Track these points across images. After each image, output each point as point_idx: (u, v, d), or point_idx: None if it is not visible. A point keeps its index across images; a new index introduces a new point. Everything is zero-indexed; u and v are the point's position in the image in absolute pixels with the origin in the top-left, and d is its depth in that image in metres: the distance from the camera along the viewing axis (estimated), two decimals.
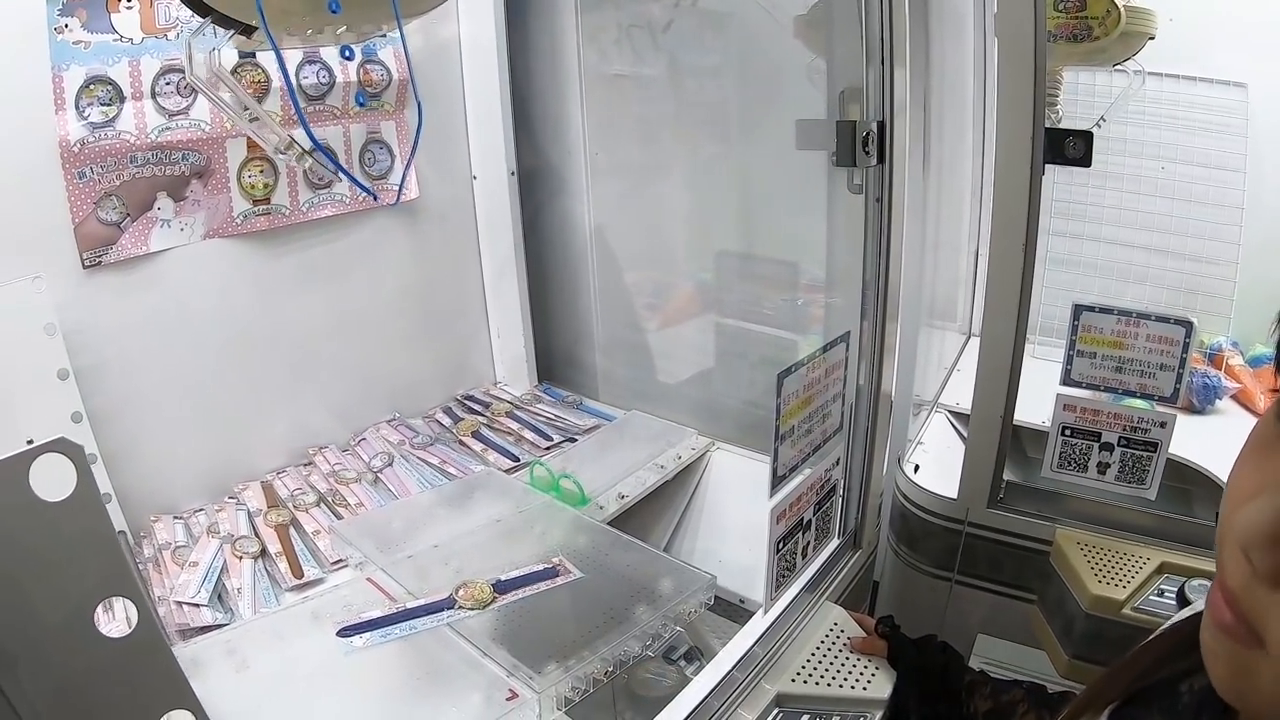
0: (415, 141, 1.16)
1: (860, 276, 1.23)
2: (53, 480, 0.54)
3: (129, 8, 1.28)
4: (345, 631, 1.04)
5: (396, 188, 1.65)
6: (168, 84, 1.32)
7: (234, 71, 1.36)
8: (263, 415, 1.54)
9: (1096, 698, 0.64)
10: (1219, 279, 1.97)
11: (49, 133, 1.23)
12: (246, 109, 1.17)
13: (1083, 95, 1.99)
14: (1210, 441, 1.60)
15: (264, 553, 1.31)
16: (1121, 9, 1.55)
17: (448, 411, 1.82)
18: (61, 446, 0.54)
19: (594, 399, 1.91)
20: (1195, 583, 1.26)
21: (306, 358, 1.59)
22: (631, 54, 1.71)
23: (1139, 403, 1.38)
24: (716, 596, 1.18)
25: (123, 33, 1.28)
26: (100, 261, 1.29)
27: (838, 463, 1.13)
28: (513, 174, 1.79)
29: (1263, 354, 1.95)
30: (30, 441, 1.19)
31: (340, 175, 1.10)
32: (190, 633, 1.15)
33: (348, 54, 1.03)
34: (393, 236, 1.70)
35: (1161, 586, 1.30)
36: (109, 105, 1.27)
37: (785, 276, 1.65)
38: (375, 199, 1.61)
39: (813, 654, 1.13)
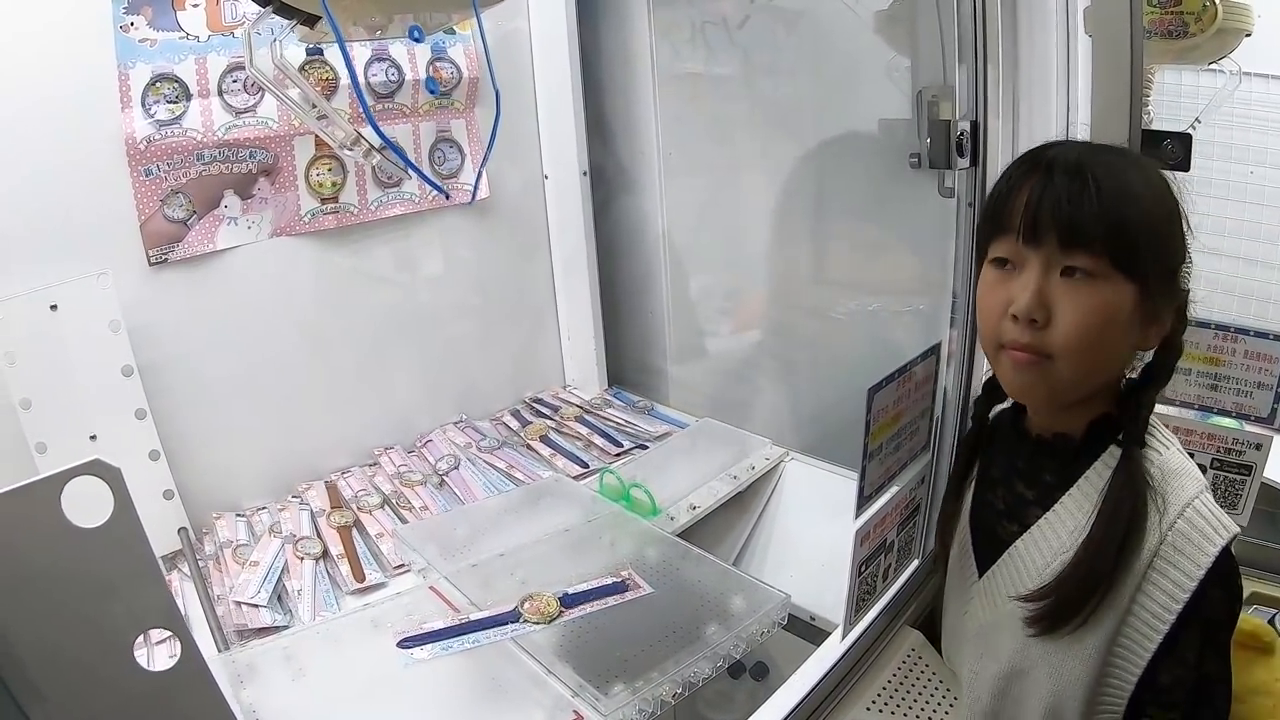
0: (494, 132, 1.12)
1: (944, 284, 1.18)
2: (88, 504, 0.51)
3: (195, 5, 1.27)
4: (406, 642, 1.01)
5: (468, 187, 1.63)
6: (234, 81, 1.32)
7: (301, 69, 1.35)
8: (328, 414, 1.53)
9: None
10: None
11: (115, 130, 1.23)
12: (312, 105, 1.15)
13: (1169, 96, 1.91)
14: None
15: (326, 554, 1.30)
16: (1218, 4, 1.47)
17: (515, 414, 1.79)
18: (96, 469, 0.50)
19: (665, 404, 1.86)
20: None
21: (373, 357, 1.57)
22: (706, 51, 1.67)
23: (1227, 422, 1.31)
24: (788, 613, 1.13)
25: (189, 30, 1.28)
26: (166, 259, 1.29)
27: (923, 481, 1.08)
28: (585, 174, 1.76)
29: None
30: (94, 438, 1.21)
31: (410, 172, 1.07)
32: (248, 634, 1.14)
33: (416, 35, 0.99)
34: (462, 236, 1.69)
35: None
36: (175, 103, 1.27)
37: (863, 282, 1.59)
38: (447, 197, 1.59)
39: (889, 681, 1.07)
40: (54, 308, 1.18)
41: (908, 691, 1.07)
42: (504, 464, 1.57)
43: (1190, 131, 1.28)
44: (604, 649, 1.03)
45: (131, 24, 1.22)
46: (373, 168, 1.48)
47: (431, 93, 1.53)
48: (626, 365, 1.97)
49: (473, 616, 1.06)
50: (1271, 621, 1.20)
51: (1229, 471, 1.27)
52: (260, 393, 1.43)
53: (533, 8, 1.67)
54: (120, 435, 1.25)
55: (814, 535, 1.50)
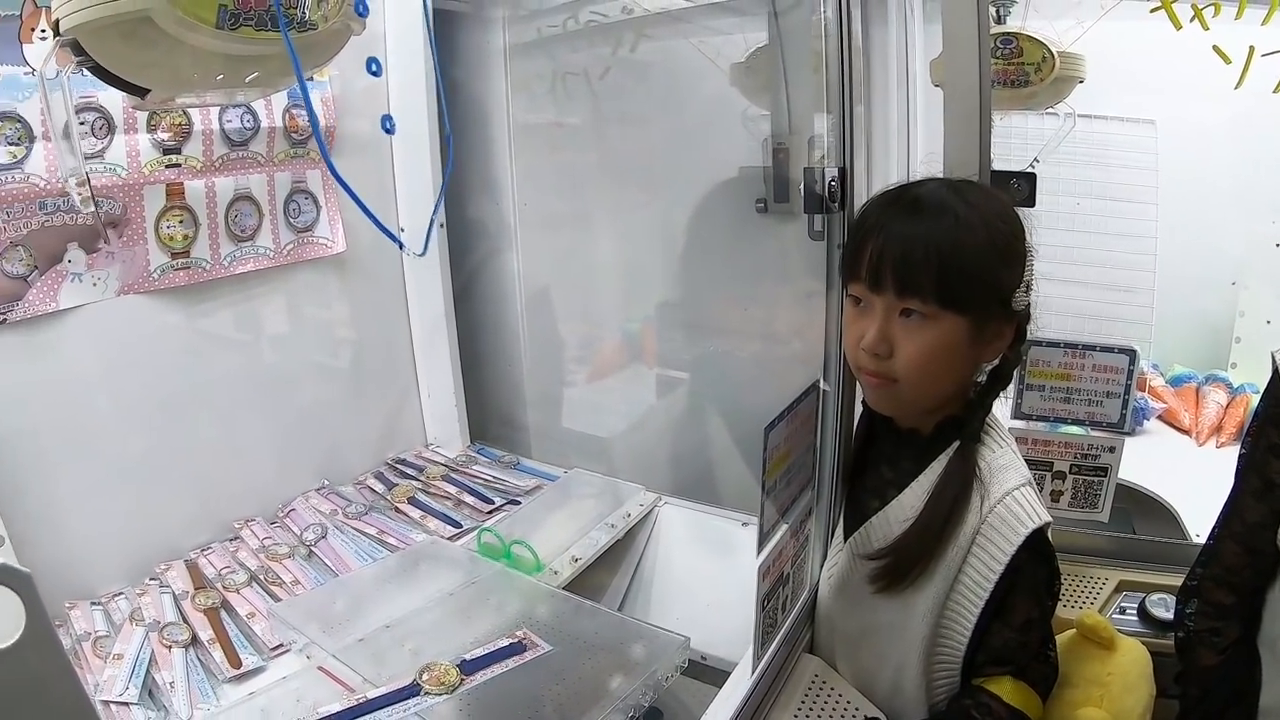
0: (445, 176, 1.09)
1: (811, 322, 1.22)
2: None
3: (43, 38, 1.14)
4: None
5: (324, 240, 1.57)
6: (83, 124, 1.21)
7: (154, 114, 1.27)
8: (183, 487, 1.41)
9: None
10: (1137, 306, 2.06)
11: None
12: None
13: (999, 137, 2.05)
14: (1145, 460, 1.65)
15: (195, 640, 1.19)
16: (1057, 56, 1.60)
17: (379, 477, 1.72)
18: (5, 576, 0.44)
19: (529, 457, 1.84)
20: (1155, 597, 1.33)
21: (228, 423, 1.47)
22: (566, 102, 1.68)
23: (1075, 429, 1.41)
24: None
25: (36, 65, 1.14)
26: (4, 320, 1.17)
27: (810, 513, 1.10)
28: (442, 226, 1.72)
29: (1182, 374, 2.05)
30: None
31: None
32: None
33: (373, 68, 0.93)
34: (318, 292, 1.62)
35: (1122, 604, 1.37)
36: (17, 145, 1.15)
37: (726, 326, 1.63)
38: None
39: (800, 707, 1.08)
40: None
41: (819, 715, 1.08)
42: (374, 530, 1.50)
43: (1033, 170, 1.38)
44: (514, 713, 1.00)
45: None
46: (226, 219, 1.40)
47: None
48: (489, 420, 1.94)
49: (370, 695, 0.99)
50: (1141, 606, 1.33)
51: (1087, 474, 1.40)
52: (110, 465, 1.30)
53: (390, 60, 1.62)
54: None
55: (695, 577, 1.53)
